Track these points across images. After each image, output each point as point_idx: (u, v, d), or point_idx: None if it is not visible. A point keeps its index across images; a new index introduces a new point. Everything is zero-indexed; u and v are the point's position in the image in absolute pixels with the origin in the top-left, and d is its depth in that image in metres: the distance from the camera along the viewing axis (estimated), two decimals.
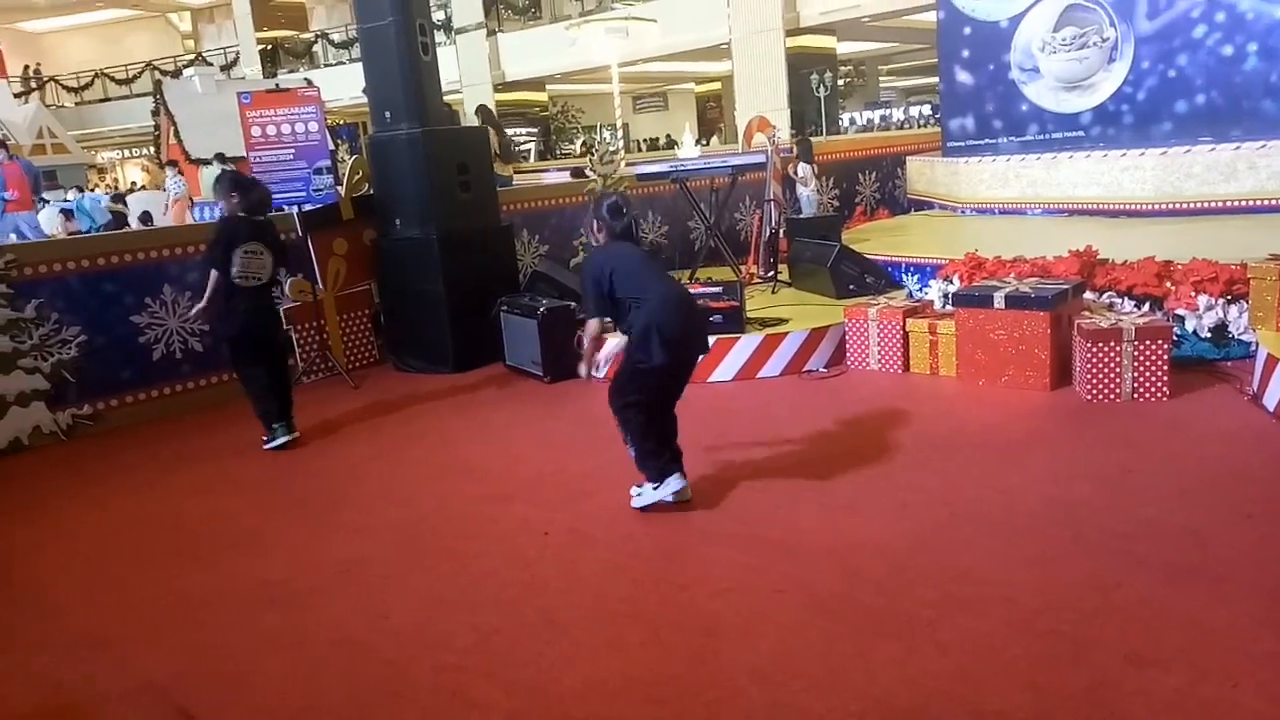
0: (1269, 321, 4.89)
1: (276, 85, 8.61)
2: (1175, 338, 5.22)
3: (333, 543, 3.89)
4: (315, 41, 27.62)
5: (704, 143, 21.90)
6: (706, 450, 4.47)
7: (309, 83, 14.92)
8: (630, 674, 2.72)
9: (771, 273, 7.64)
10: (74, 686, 2.91)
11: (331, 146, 14.74)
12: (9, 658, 3.12)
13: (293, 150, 6.29)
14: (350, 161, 7.08)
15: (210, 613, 3.35)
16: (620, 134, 18.04)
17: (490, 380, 6.33)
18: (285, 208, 6.54)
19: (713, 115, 29.01)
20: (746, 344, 5.85)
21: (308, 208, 6.56)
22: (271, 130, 6.25)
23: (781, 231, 8.01)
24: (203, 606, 3.40)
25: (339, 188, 6.80)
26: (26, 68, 29.38)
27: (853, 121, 25.07)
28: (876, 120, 25.93)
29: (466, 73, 22.66)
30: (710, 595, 3.14)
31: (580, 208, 8.40)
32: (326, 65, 26.31)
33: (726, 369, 5.85)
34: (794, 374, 5.86)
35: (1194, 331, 5.29)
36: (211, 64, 25.76)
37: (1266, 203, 7.48)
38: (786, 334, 5.89)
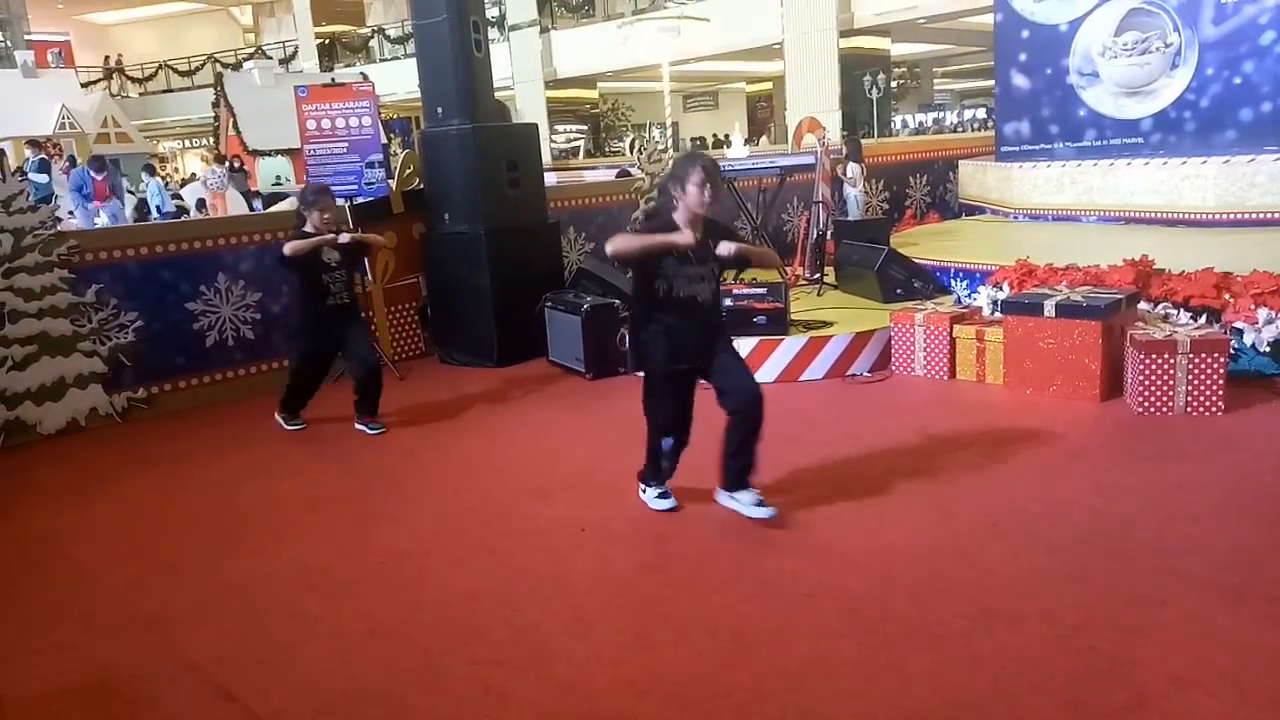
0: None
1: (333, 80, 8.75)
2: (1233, 351, 5.08)
3: (374, 533, 3.96)
4: (372, 37, 28.05)
5: (754, 142, 21.82)
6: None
7: (365, 77, 15.18)
8: (659, 673, 2.72)
9: (818, 275, 7.59)
10: (119, 667, 2.99)
11: (385, 140, 14.99)
12: (58, 636, 3.22)
13: (346, 144, 6.39)
14: (402, 156, 7.17)
15: (254, 598, 3.42)
16: (670, 133, 18.02)
17: (533, 376, 6.37)
18: (338, 200, 6.66)
19: (763, 115, 28.88)
20: (790, 346, 5.82)
21: (359, 201, 6.66)
22: (326, 124, 6.35)
23: (829, 233, 7.95)
24: (247, 591, 3.47)
25: (390, 181, 6.88)
26: (107, 59, 30.23)
27: (905, 124, 24.78)
28: (929, 123, 25.60)
29: (519, 70, 22.84)
30: (742, 599, 3.14)
31: (628, 206, 8.42)
32: (382, 60, 26.71)
33: (769, 370, 5.82)
34: (837, 378, 5.81)
35: (1252, 345, 5.15)
36: (271, 57, 26.24)
37: None
38: (830, 337, 5.85)
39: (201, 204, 13.08)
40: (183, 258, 6.06)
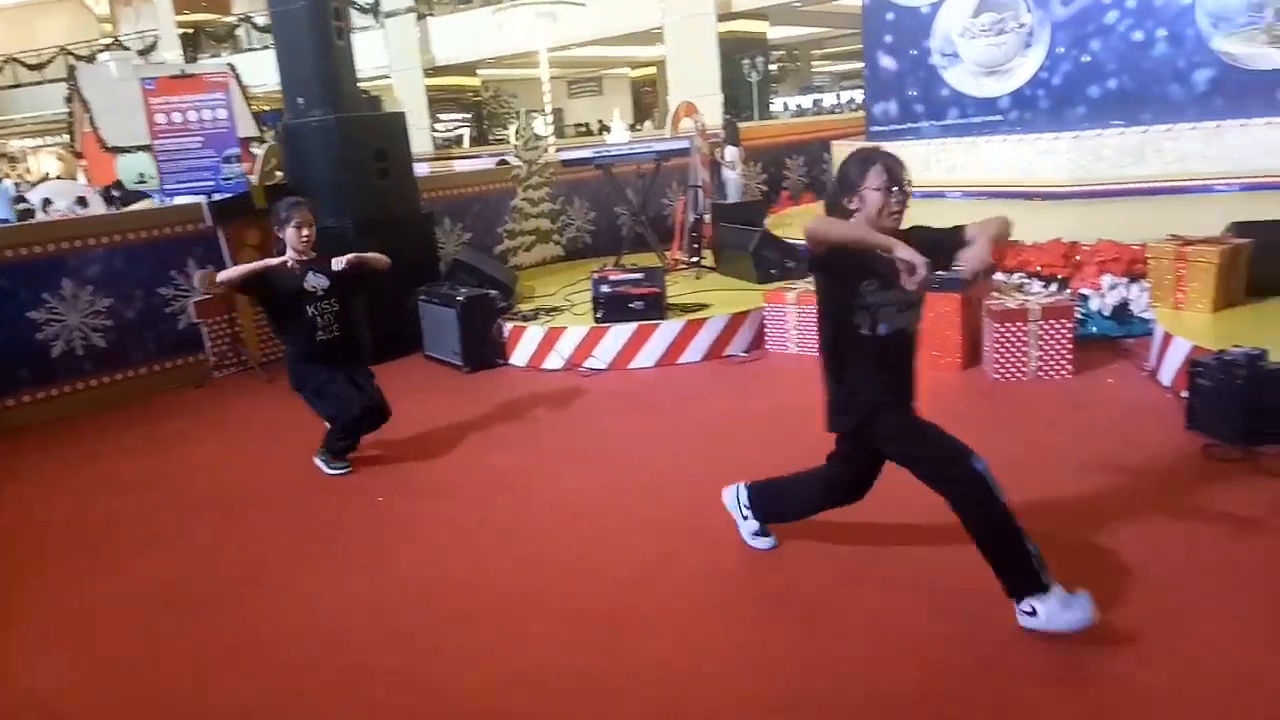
0: (1166, 300, 5.03)
1: (182, 71, 8.34)
2: (1080, 316, 5.35)
3: (238, 542, 3.80)
4: (238, 25, 26.83)
5: (639, 128, 21.84)
6: (626, 437, 4.46)
7: (232, 68, 14.53)
8: (533, 667, 2.70)
9: (696, 258, 7.65)
10: None
11: (257, 133, 14.34)
12: None
13: (200, 138, 6.08)
14: (263, 150, 6.89)
15: (106, 619, 3.24)
16: (551, 120, 17.87)
17: (409, 371, 6.22)
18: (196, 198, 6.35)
19: (649, 100, 28.94)
20: (667, 330, 5.85)
21: (217, 197, 6.36)
22: (177, 117, 6.04)
23: (707, 217, 8.02)
24: (99, 611, 3.29)
25: (251, 176, 6.60)
26: None
27: (785, 107, 25.23)
28: (809, 105, 26.14)
29: (396, 57, 22.23)
30: (619, 585, 3.14)
31: (505, 194, 8.31)
32: (250, 50, 25.58)
33: (648, 355, 5.84)
34: (715, 359, 5.88)
35: (1098, 310, 5.44)
36: (129, 48, 24.85)
37: (1172, 184, 7.71)
38: (707, 320, 5.90)
39: (47, 202, 12.18)
40: (20, 264, 5.66)
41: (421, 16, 22.35)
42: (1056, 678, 2.43)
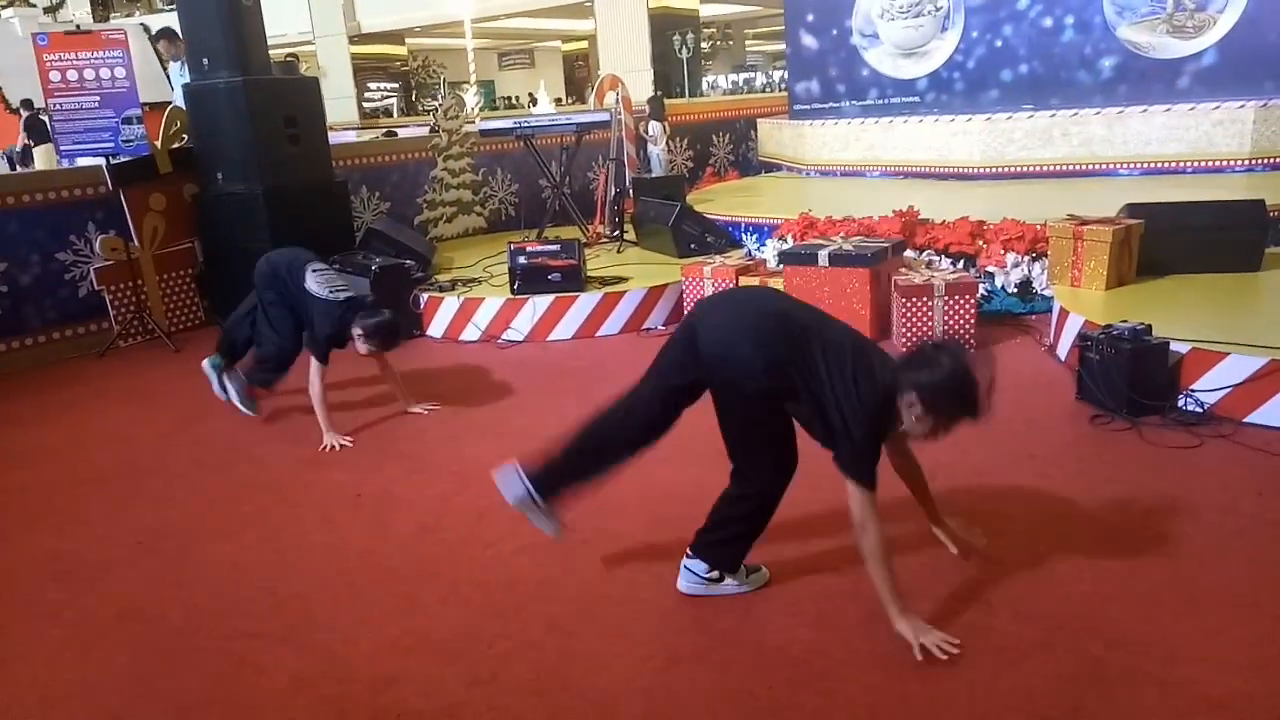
0: (1064, 277, 5.22)
1: (77, 26, 7.95)
2: (985, 293, 5.53)
3: (133, 514, 3.71)
4: None
5: (569, 102, 21.67)
6: (540, 409, 4.46)
7: (145, 29, 13.94)
8: (425, 631, 2.70)
9: (617, 231, 7.66)
10: None
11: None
12: None
13: (97, 97, 5.83)
14: (166, 112, 6.65)
15: None
16: (479, 92, 17.61)
17: None
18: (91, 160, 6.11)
19: (581, 75, 28.73)
20: (585, 302, 5.85)
21: (117, 160, 6.13)
22: (73, 75, 5.76)
23: (629, 191, 8.02)
24: None
25: (153, 138, 6.37)
26: None
27: (715, 85, 25.28)
28: (741, 84, 26.27)
29: (320, 23, 21.62)
30: (516, 551, 3.15)
31: (425, 163, 8.19)
32: (164, 10, 24.59)
33: (566, 327, 5.84)
34: (633, 332, 5.91)
35: (1002, 287, 5.62)
36: (34, 5, 23.62)
37: (1077, 167, 7.98)
38: (625, 292, 5.92)
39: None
40: None
41: None
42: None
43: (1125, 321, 4.09)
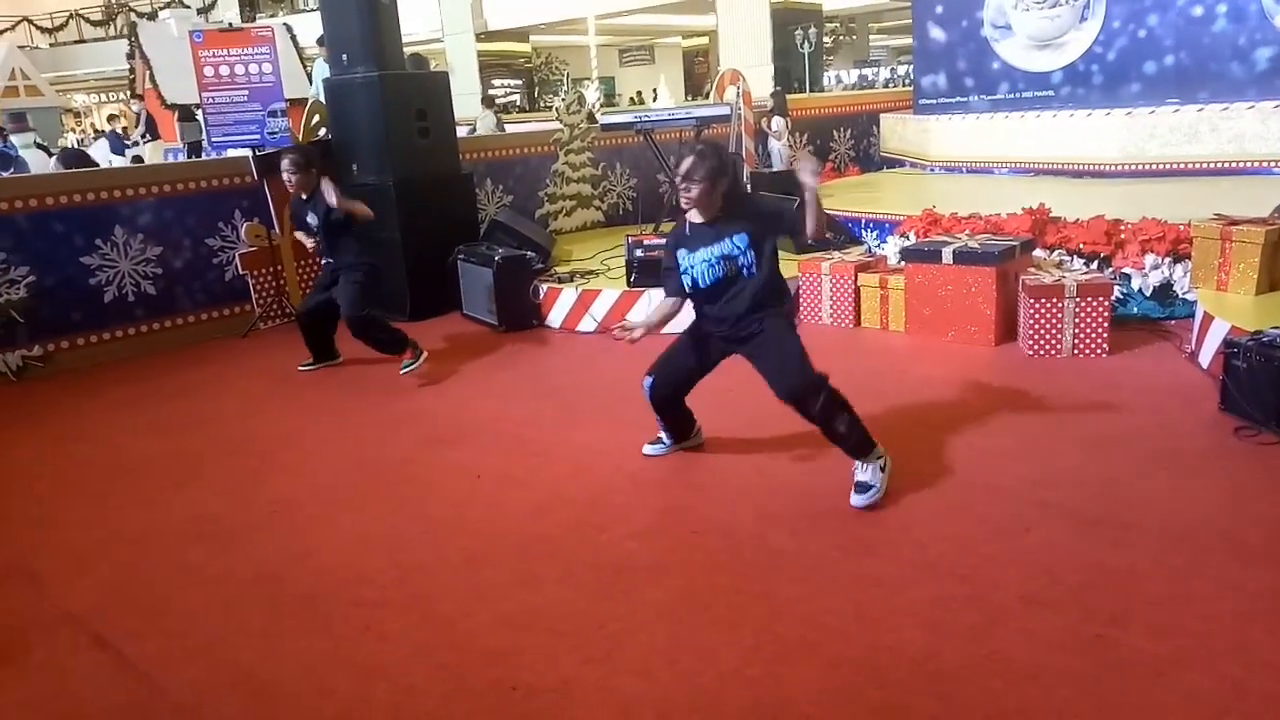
0: (1209, 281, 4.92)
1: (229, 25, 8.44)
2: (1121, 296, 5.27)
3: (269, 483, 3.93)
4: None
5: (690, 98, 21.68)
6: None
7: (288, 28, 14.69)
8: (538, 608, 2.77)
9: None
10: None
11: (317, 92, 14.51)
12: None
13: (246, 92, 6.19)
14: (308, 105, 6.99)
15: (139, 548, 3.38)
16: (599, 88, 17.82)
17: (445, 329, 6.32)
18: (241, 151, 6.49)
19: (700, 70, 28.70)
20: None
21: (263, 151, 6.48)
22: (225, 71, 6.15)
23: (748, 186, 7.98)
24: (132, 542, 3.43)
25: (295, 131, 6.71)
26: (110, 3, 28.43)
27: (838, 80, 24.86)
28: (869, 78, 25.74)
29: (449, 21, 22.31)
30: (628, 536, 3.19)
31: (547, 157, 8.35)
32: (305, 10, 25.81)
33: (680, 320, 5.84)
34: None
35: (1140, 290, 5.34)
36: (189, 6, 25.17)
37: (1226, 165, 7.50)
38: None
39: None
40: (76, 210, 5.85)
41: None
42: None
43: (1277, 328, 3.84)
